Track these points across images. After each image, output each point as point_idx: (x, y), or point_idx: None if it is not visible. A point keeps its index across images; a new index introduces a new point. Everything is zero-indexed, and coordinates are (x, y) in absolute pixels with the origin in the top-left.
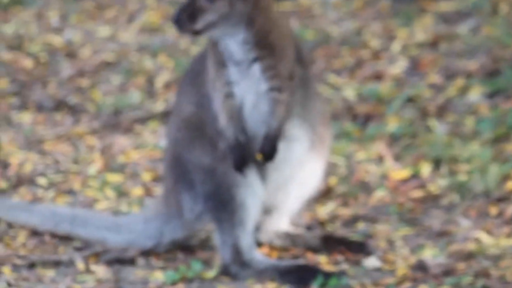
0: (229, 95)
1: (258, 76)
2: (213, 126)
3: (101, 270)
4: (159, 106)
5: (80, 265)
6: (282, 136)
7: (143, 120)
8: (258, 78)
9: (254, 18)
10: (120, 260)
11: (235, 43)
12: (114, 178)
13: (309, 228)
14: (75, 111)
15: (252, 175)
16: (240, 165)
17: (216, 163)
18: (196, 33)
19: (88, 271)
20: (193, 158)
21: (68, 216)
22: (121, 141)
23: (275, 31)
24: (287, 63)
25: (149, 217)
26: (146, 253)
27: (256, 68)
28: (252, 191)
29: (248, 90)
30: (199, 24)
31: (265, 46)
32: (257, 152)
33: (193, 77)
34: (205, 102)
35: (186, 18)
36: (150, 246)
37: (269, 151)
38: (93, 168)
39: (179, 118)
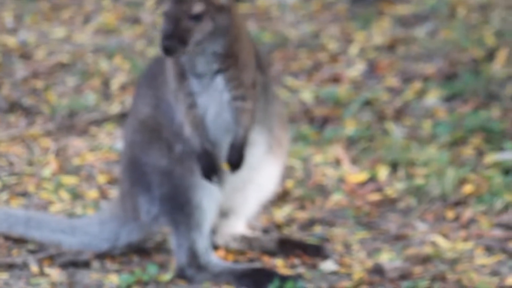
0: (192, 106)
1: (221, 86)
2: (170, 129)
3: (55, 273)
4: (114, 108)
5: (34, 268)
6: (247, 144)
7: (99, 122)
8: (220, 88)
9: (230, 30)
10: (74, 263)
11: (201, 56)
12: (69, 180)
13: (265, 231)
14: (29, 112)
15: None
16: (209, 173)
17: (172, 165)
18: (184, 53)
19: (42, 274)
20: (150, 160)
21: (22, 219)
22: (76, 143)
23: (239, 41)
24: (250, 71)
25: (104, 219)
26: (101, 256)
27: (219, 79)
28: (208, 193)
29: (210, 100)
30: (190, 46)
31: (229, 57)
32: (223, 162)
33: (150, 80)
34: (162, 105)
35: (176, 43)
36: (106, 248)
37: (237, 160)
38: (48, 170)
39: (135, 120)
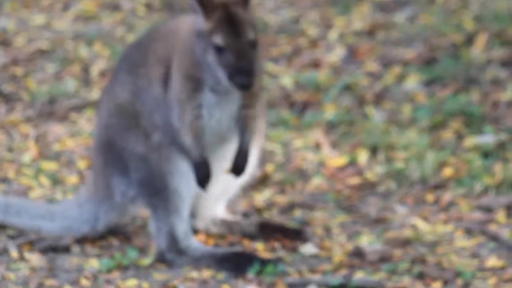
0: (198, 117)
1: (235, 97)
2: (148, 119)
3: (35, 258)
4: (94, 94)
5: (14, 253)
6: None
7: (79, 108)
8: (234, 99)
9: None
10: (54, 248)
11: None
12: (49, 166)
13: (245, 215)
14: (9, 99)
15: (185, 163)
16: (205, 181)
17: (149, 152)
18: None
19: (22, 259)
20: (127, 145)
21: (1, 205)
22: (56, 129)
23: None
24: (260, 78)
25: (82, 202)
26: (81, 241)
27: (237, 91)
28: (186, 179)
29: (218, 111)
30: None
31: None
32: (228, 168)
33: (130, 66)
34: (142, 95)
35: (254, 77)
36: (86, 230)
37: (242, 166)
38: (28, 156)
39: (112, 103)
